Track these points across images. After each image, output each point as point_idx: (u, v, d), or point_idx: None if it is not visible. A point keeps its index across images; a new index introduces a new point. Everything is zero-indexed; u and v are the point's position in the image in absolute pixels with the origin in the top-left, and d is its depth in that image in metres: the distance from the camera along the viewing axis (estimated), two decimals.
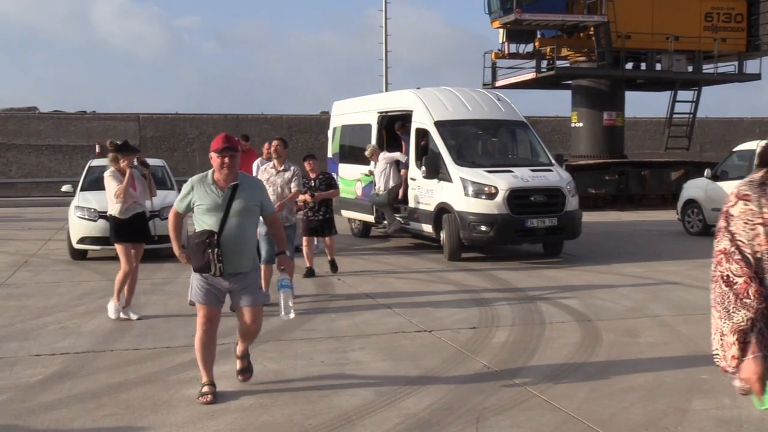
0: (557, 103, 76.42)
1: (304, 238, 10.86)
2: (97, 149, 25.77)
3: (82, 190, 13.34)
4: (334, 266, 11.08)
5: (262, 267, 8.05)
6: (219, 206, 5.35)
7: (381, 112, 14.95)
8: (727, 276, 2.81)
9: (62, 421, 5.08)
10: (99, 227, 12.07)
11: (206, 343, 5.48)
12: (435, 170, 12.66)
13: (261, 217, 5.70)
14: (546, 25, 23.95)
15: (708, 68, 25.40)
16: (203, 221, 5.39)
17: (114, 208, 8.11)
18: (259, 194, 5.62)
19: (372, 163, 14.09)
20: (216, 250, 5.25)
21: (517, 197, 12.07)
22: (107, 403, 5.43)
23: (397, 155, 14.03)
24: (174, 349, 6.93)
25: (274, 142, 9.66)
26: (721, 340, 2.87)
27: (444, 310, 8.60)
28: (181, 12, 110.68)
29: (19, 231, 17.35)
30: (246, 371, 5.78)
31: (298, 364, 6.40)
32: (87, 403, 5.45)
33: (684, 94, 25.83)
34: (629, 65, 25.52)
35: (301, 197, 10.21)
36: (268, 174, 9.40)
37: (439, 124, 13.12)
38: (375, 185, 13.94)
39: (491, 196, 11.99)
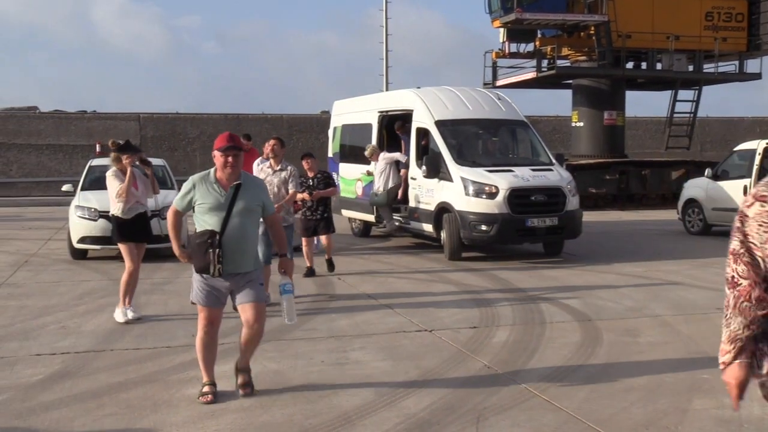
0: (558, 103, 76.57)
1: (304, 238, 10.85)
2: (98, 149, 25.80)
3: (82, 189, 13.35)
4: (331, 265, 11.04)
5: None
6: (221, 205, 5.28)
7: (381, 112, 14.95)
8: (733, 277, 2.77)
9: (62, 421, 5.08)
10: (99, 227, 12.08)
11: (207, 343, 5.47)
12: (435, 170, 12.65)
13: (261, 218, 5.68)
14: (546, 24, 23.94)
15: (708, 68, 25.39)
16: (204, 221, 5.31)
17: (116, 208, 8.10)
18: (262, 194, 5.56)
19: (372, 163, 14.09)
20: (217, 250, 5.18)
21: (518, 197, 12.07)
22: (107, 403, 5.43)
23: (396, 155, 14.03)
24: (174, 348, 6.93)
25: (271, 142, 9.65)
26: (721, 343, 2.85)
27: (444, 310, 8.60)
28: (182, 12, 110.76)
29: (19, 230, 17.36)
30: (247, 386, 5.56)
31: (298, 364, 6.40)
32: (87, 402, 5.45)
33: (684, 94, 25.86)
34: (630, 65, 25.51)
35: (299, 196, 10.19)
36: (265, 174, 9.40)
37: (439, 124, 13.12)
38: (374, 185, 13.94)
39: (492, 195, 11.99)
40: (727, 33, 24.83)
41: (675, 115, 25.85)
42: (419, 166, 13.10)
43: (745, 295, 2.71)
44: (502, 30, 24.92)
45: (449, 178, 12.44)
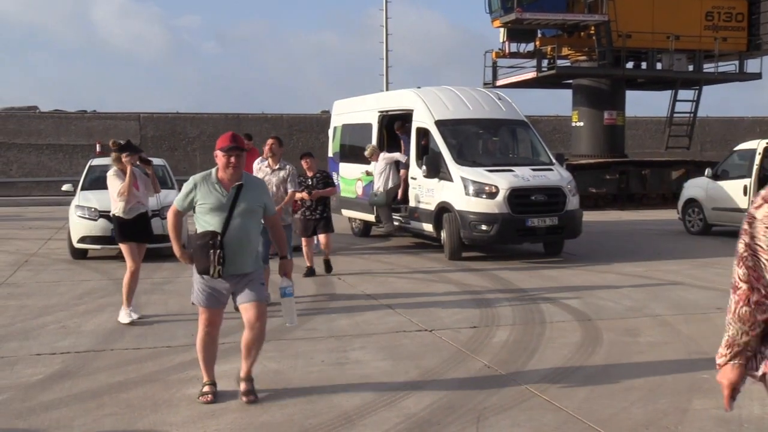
0: (558, 103, 76.57)
1: (303, 238, 10.83)
2: (98, 148, 25.80)
3: (82, 189, 13.35)
4: (328, 266, 10.95)
5: None
6: (223, 206, 5.23)
7: (381, 112, 14.95)
8: (734, 281, 2.75)
9: (63, 421, 5.08)
10: (99, 226, 12.08)
11: (207, 343, 5.46)
12: (436, 169, 12.65)
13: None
14: (546, 24, 23.95)
15: (708, 67, 25.39)
16: (206, 221, 5.26)
17: (118, 208, 8.09)
18: (263, 195, 5.53)
19: (372, 163, 14.10)
20: (218, 251, 5.14)
21: (518, 196, 12.07)
22: (107, 403, 5.43)
23: (396, 156, 14.04)
24: (174, 348, 6.93)
25: (269, 141, 9.61)
26: (720, 346, 2.83)
27: (444, 310, 8.60)
28: (182, 11, 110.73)
29: (19, 230, 17.36)
30: (251, 393, 5.41)
31: (298, 364, 6.40)
32: (87, 402, 5.45)
33: (685, 94, 25.87)
34: (630, 64, 25.52)
35: (298, 195, 10.16)
36: (263, 173, 9.38)
37: (439, 124, 13.12)
38: (374, 185, 13.95)
39: (492, 195, 11.99)
40: (727, 33, 24.83)
41: (675, 115, 25.86)
42: (419, 165, 13.10)
43: (744, 299, 2.70)
44: (502, 30, 24.93)
45: (449, 178, 12.44)
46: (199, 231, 5.31)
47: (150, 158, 8.88)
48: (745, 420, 5.05)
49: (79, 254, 12.57)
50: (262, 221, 5.63)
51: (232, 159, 5.24)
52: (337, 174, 15.97)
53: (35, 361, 6.53)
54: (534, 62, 25.00)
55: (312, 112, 35.18)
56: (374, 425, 4.98)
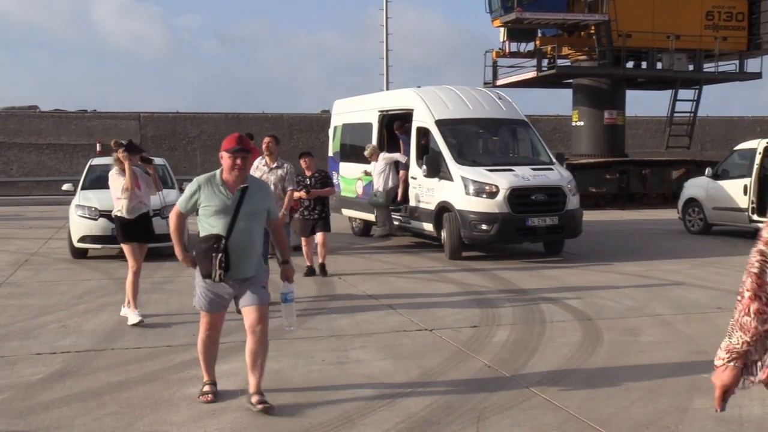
0: (558, 102, 76.54)
1: (303, 238, 10.81)
2: (98, 148, 25.79)
3: (82, 188, 13.36)
4: (323, 270, 10.74)
5: None
6: (227, 209, 5.13)
7: (382, 111, 14.95)
8: (741, 289, 2.74)
9: (63, 420, 5.08)
10: (100, 226, 12.09)
11: (208, 345, 5.45)
12: (436, 169, 12.65)
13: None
14: (547, 23, 23.94)
15: (709, 67, 25.39)
16: (210, 224, 5.16)
17: (120, 209, 8.06)
18: (268, 198, 5.46)
19: (372, 163, 14.10)
20: (220, 255, 5.05)
21: (518, 196, 12.07)
22: (108, 402, 5.43)
23: (396, 156, 14.05)
24: (175, 347, 6.93)
25: (266, 139, 9.53)
26: (719, 349, 2.83)
27: (445, 309, 8.60)
28: (182, 11, 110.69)
29: (19, 230, 17.36)
30: (265, 402, 5.18)
31: (299, 363, 6.41)
32: (88, 401, 5.45)
33: (685, 93, 25.85)
34: (630, 64, 25.51)
35: (296, 194, 10.12)
36: (261, 171, 9.34)
37: (439, 123, 13.12)
38: (374, 185, 13.96)
39: (492, 194, 11.99)
40: (728, 32, 24.82)
41: (675, 115, 25.85)
42: (419, 165, 13.10)
43: (746, 308, 2.69)
44: (502, 29, 24.91)
45: (449, 178, 12.44)
46: (202, 234, 5.21)
47: (151, 157, 8.86)
48: (746, 420, 5.06)
49: (80, 254, 12.57)
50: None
51: (238, 161, 5.14)
52: (338, 173, 15.98)
53: (35, 360, 6.53)
54: (534, 62, 24.99)
55: (312, 112, 35.19)
56: (374, 425, 4.98)
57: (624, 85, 25.39)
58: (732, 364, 2.76)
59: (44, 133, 31.54)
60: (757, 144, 15.00)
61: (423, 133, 13.46)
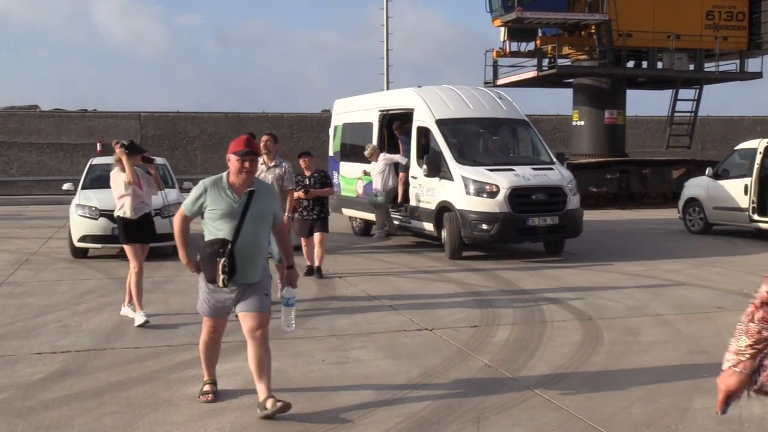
0: (558, 102, 76.51)
1: (303, 239, 10.78)
2: (98, 147, 25.79)
3: (83, 188, 13.36)
4: (319, 273, 10.63)
5: None
6: (234, 212, 5.04)
7: (382, 111, 14.95)
8: (755, 294, 2.73)
9: (63, 420, 5.08)
10: (100, 225, 12.09)
11: (210, 346, 5.43)
12: (436, 168, 12.65)
13: None
14: (547, 23, 23.93)
15: (709, 67, 25.37)
16: (216, 228, 5.06)
17: (123, 209, 8.02)
18: (274, 202, 5.36)
19: (372, 163, 14.10)
20: (224, 260, 4.95)
21: (519, 196, 12.07)
22: (108, 402, 5.43)
23: (397, 158, 14.06)
24: (175, 347, 6.93)
25: (264, 137, 9.44)
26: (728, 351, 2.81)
27: (445, 309, 8.60)
28: (182, 10, 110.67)
29: (20, 229, 17.36)
30: (279, 400, 5.07)
31: (299, 363, 6.40)
32: (88, 401, 5.45)
33: (685, 93, 25.83)
34: (630, 64, 25.49)
35: (295, 194, 10.08)
36: (258, 170, 9.31)
37: (440, 123, 13.12)
38: (373, 185, 13.97)
39: (492, 194, 11.99)
40: (728, 32, 24.80)
41: (676, 114, 25.84)
42: (420, 165, 13.09)
43: (750, 315, 2.68)
44: (502, 29, 24.91)
45: (450, 177, 12.43)
46: (207, 238, 5.11)
47: (152, 157, 8.84)
48: (746, 419, 5.05)
49: (80, 253, 12.57)
50: None
51: (246, 164, 5.05)
52: (338, 173, 15.98)
53: (36, 359, 6.53)
54: (534, 61, 24.97)
55: (312, 111, 35.19)
56: (375, 424, 4.98)
57: (624, 85, 25.38)
58: (738, 369, 2.74)
59: (44, 133, 31.55)
60: (758, 144, 14.99)
61: (423, 132, 13.45)
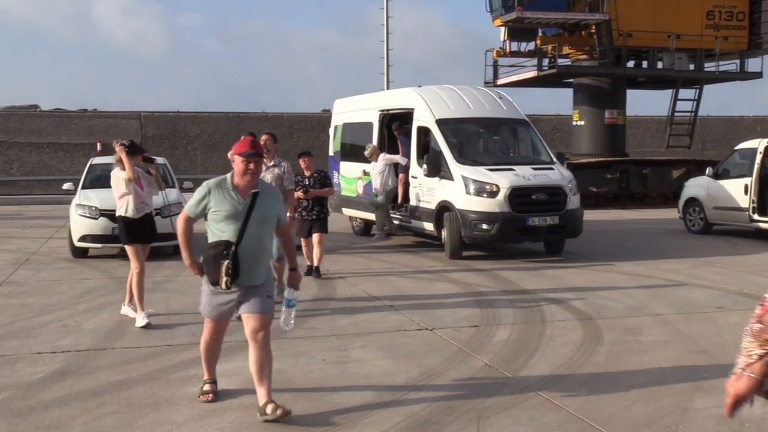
0: (559, 102, 76.46)
1: (302, 239, 10.76)
2: (99, 147, 25.80)
3: (83, 188, 13.36)
4: (317, 273, 10.58)
5: None
6: (238, 214, 4.99)
7: (382, 110, 14.95)
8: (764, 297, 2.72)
9: (63, 419, 5.08)
10: (100, 225, 12.08)
11: (211, 347, 5.42)
12: (436, 168, 12.65)
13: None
14: (547, 23, 23.93)
15: (709, 66, 25.37)
16: (219, 229, 5.02)
17: (124, 209, 7.98)
18: (279, 204, 5.31)
19: (372, 163, 14.10)
20: (227, 262, 4.91)
21: (519, 195, 12.07)
22: (108, 401, 5.43)
23: (397, 158, 14.07)
24: (175, 347, 6.93)
25: (263, 137, 9.41)
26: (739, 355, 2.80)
27: (445, 309, 8.60)
28: (183, 10, 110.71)
29: (20, 229, 17.36)
30: (281, 407, 5.00)
31: (299, 362, 6.40)
32: (88, 401, 5.45)
33: (685, 93, 25.82)
34: (631, 63, 25.49)
35: (294, 194, 10.05)
36: None
37: (440, 122, 13.12)
38: (372, 185, 13.96)
39: (492, 194, 11.99)
40: (729, 32, 24.79)
41: (676, 114, 25.83)
42: (420, 165, 13.09)
43: (758, 317, 2.67)
44: (503, 29, 24.90)
45: (450, 177, 12.43)
46: (211, 239, 5.07)
47: (153, 156, 8.82)
48: (746, 419, 5.05)
49: (80, 253, 12.57)
50: None
51: (251, 166, 5.01)
52: (338, 173, 15.99)
53: (36, 359, 6.53)
54: (535, 61, 24.97)
55: (313, 111, 35.20)
56: (375, 424, 4.98)
57: (625, 85, 25.38)
58: (746, 373, 2.72)
59: (45, 133, 31.56)
60: (758, 143, 14.99)
61: (424, 132, 13.45)
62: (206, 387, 5.48)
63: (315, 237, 10.62)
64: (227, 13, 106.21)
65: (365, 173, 14.58)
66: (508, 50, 25.55)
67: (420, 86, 14.47)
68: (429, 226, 12.99)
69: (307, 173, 10.55)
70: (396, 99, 15.04)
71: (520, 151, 14.08)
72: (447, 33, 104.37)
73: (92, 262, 12.23)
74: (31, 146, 31.34)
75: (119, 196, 8.02)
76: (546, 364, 6.38)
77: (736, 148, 16.20)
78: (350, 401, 5.42)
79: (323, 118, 31.07)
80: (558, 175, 12.65)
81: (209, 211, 5.06)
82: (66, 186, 14.86)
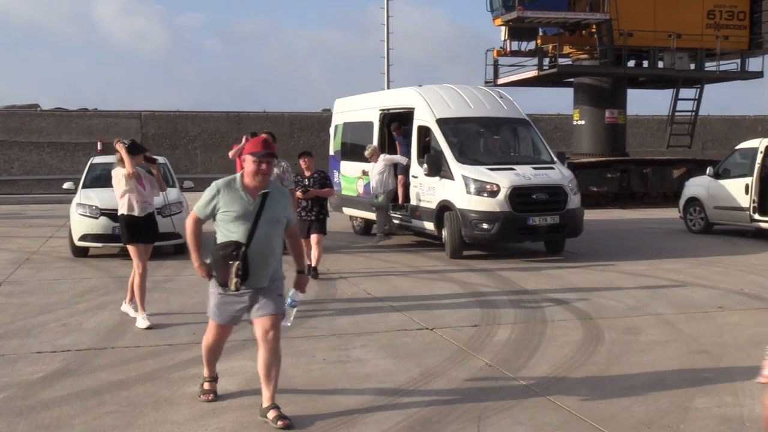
0: (559, 101, 76.38)
1: (302, 239, 10.72)
2: (99, 146, 25.79)
3: (83, 187, 13.35)
4: (315, 273, 10.48)
5: None
6: (248, 214, 4.94)
7: (383, 110, 14.95)
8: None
9: (63, 418, 5.08)
10: (101, 224, 12.08)
11: (214, 348, 5.38)
12: (437, 168, 12.64)
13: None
14: (548, 22, 23.91)
15: (710, 66, 25.34)
16: (229, 230, 4.96)
17: (125, 207, 7.96)
18: (288, 205, 5.28)
19: (372, 164, 14.08)
20: (237, 263, 4.86)
21: (519, 195, 12.06)
22: (108, 401, 5.43)
23: (397, 158, 14.05)
24: (175, 346, 6.93)
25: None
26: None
27: (445, 308, 8.60)
28: (183, 9, 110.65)
29: (20, 228, 17.36)
30: (284, 417, 4.95)
31: (300, 362, 6.40)
32: (88, 400, 5.45)
33: (686, 92, 25.78)
34: (631, 63, 25.46)
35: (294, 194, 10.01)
36: None
37: (441, 122, 13.11)
38: (372, 186, 13.96)
39: (493, 193, 11.98)
40: (729, 31, 24.78)
41: (676, 114, 25.81)
42: (421, 164, 13.09)
43: None
44: (503, 28, 24.88)
45: (450, 177, 12.43)
46: (220, 240, 5.01)
47: (155, 157, 8.80)
48: (747, 419, 5.05)
49: (80, 252, 12.56)
50: None
51: (263, 166, 4.96)
52: (338, 172, 15.98)
53: (36, 358, 6.53)
54: (535, 60, 24.95)
55: (313, 111, 35.17)
56: (375, 423, 4.98)
57: (625, 84, 25.36)
58: None
59: (45, 132, 31.54)
60: (759, 143, 14.98)
61: (424, 131, 13.45)
62: (206, 385, 5.46)
63: (313, 238, 10.56)
64: (227, 13, 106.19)
65: (364, 173, 14.58)
66: (508, 50, 25.53)
67: (420, 86, 14.47)
68: (429, 226, 12.99)
69: (307, 173, 10.50)
70: (396, 98, 15.04)
71: (520, 151, 14.07)
72: (447, 32, 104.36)
73: (93, 261, 12.23)
74: (31, 145, 31.32)
75: (120, 195, 7.98)
76: (546, 363, 6.38)
77: (737, 147, 16.19)
78: (350, 401, 5.42)
79: (324, 118, 31.06)
80: (558, 174, 12.65)
81: (218, 211, 5.00)
82: (66, 185, 14.85)
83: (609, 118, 24.93)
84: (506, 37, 25.19)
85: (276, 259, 5.12)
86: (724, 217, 15.50)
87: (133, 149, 7.96)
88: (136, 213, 7.91)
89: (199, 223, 5.11)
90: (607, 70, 24.14)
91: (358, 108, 15.88)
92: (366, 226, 15.54)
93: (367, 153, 14.14)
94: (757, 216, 14.67)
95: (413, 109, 13.82)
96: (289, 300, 5.38)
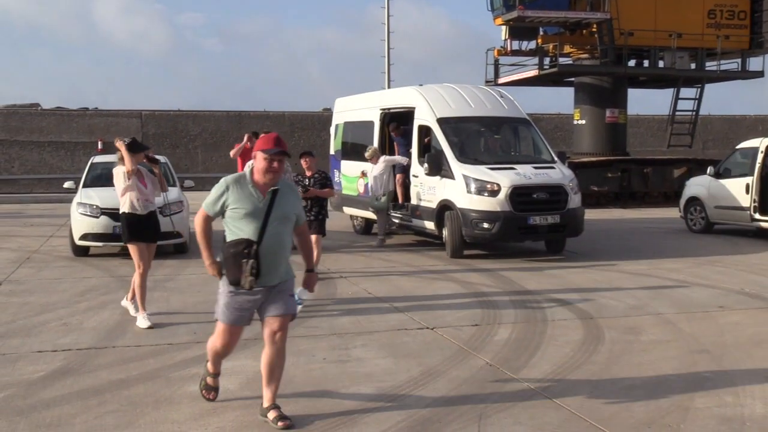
0: (560, 101, 76.36)
1: None
2: (100, 146, 25.79)
3: (84, 186, 13.35)
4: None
5: None
6: (258, 212, 4.87)
7: (383, 109, 14.94)
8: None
9: (64, 418, 5.08)
10: (101, 224, 12.08)
11: (222, 353, 5.25)
12: (437, 167, 12.64)
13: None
14: (549, 22, 23.90)
15: (711, 65, 25.32)
16: (238, 228, 4.89)
17: (126, 205, 7.95)
18: (298, 202, 5.21)
19: (372, 166, 14.07)
20: (252, 261, 4.79)
21: (520, 194, 12.06)
22: (109, 400, 5.43)
23: (398, 159, 14.04)
24: (176, 345, 6.93)
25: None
26: None
27: (446, 308, 8.60)
28: (184, 9, 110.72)
29: (21, 227, 17.36)
30: (285, 418, 4.92)
31: (300, 361, 6.40)
32: (89, 399, 5.45)
33: (687, 92, 25.77)
34: (632, 62, 25.45)
35: None
36: None
37: (441, 121, 13.11)
38: (371, 187, 13.95)
39: (494, 193, 11.98)
40: (730, 31, 24.77)
41: (677, 113, 25.80)
42: (421, 163, 13.09)
43: None
44: (504, 27, 24.88)
45: (451, 176, 12.43)
46: (229, 237, 4.93)
47: (157, 156, 8.78)
48: (748, 419, 5.05)
49: (81, 251, 12.56)
50: None
51: (275, 164, 4.90)
52: (339, 172, 15.98)
53: (37, 358, 6.53)
54: (536, 60, 24.94)
55: (314, 110, 35.17)
56: (376, 423, 4.98)
57: (626, 84, 25.36)
58: None
59: (46, 131, 31.55)
60: (759, 143, 14.97)
61: (425, 131, 13.45)
62: (209, 380, 5.38)
63: (312, 238, 10.52)
64: (228, 12, 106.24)
65: (363, 174, 14.57)
66: (509, 49, 25.53)
67: (421, 85, 14.47)
68: (430, 225, 12.99)
69: (308, 173, 10.44)
70: (397, 98, 15.04)
71: (521, 150, 14.06)
72: (448, 32, 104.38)
73: (93, 260, 12.23)
74: (32, 145, 31.33)
75: (121, 193, 7.97)
76: (547, 363, 6.38)
77: (738, 147, 16.18)
78: (351, 400, 5.42)
79: (324, 117, 31.05)
80: (559, 174, 12.64)
81: (227, 208, 4.93)
82: (67, 184, 14.85)
83: (609, 117, 24.92)
84: (507, 37, 25.19)
85: (286, 257, 5.07)
86: (725, 216, 15.49)
87: (134, 147, 7.93)
88: (138, 210, 7.89)
89: (208, 220, 5.02)
90: (607, 69, 24.13)
91: (359, 107, 15.88)
92: (366, 226, 15.54)
93: (367, 154, 14.13)
94: (757, 215, 14.67)
95: (414, 108, 13.82)
96: (296, 298, 5.37)
